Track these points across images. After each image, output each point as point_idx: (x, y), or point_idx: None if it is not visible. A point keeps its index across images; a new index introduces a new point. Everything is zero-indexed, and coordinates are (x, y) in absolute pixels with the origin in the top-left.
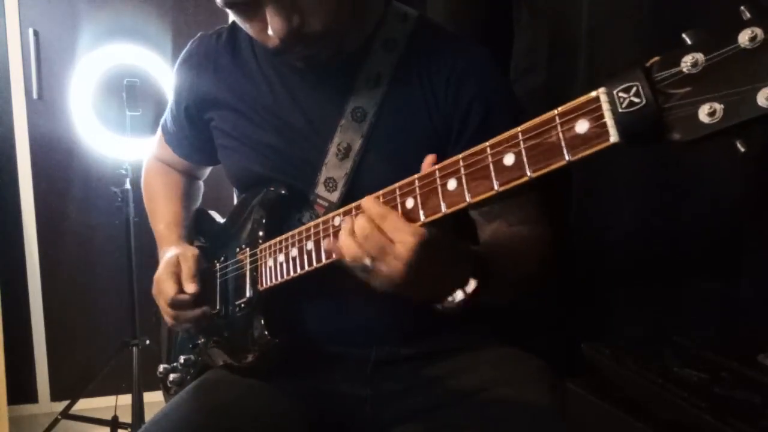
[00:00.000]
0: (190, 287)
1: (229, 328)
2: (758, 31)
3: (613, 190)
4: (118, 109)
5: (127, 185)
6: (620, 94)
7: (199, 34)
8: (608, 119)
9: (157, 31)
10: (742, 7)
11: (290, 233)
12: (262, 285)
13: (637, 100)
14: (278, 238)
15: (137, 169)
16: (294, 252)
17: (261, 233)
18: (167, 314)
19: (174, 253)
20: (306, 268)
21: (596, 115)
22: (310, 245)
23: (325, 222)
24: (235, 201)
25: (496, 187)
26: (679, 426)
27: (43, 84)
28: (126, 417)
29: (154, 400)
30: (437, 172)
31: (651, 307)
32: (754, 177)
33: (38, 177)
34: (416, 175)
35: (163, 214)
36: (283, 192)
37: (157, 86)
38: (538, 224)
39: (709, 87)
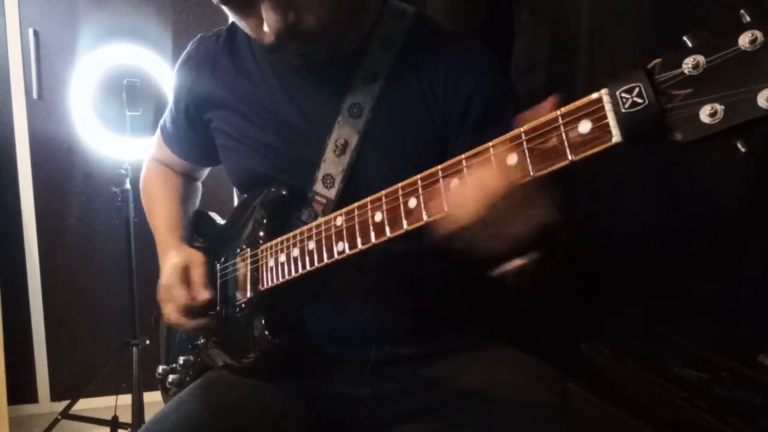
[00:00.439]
0: (204, 294)
1: (230, 328)
2: (758, 34)
3: (614, 190)
4: (118, 109)
5: (127, 185)
6: (623, 95)
7: (198, 36)
8: (611, 119)
9: (157, 31)
10: (742, 11)
11: (291, 233)
12: (262, 285)
13: (639, 100)
14: (279, 238)
15: (137, 169)
16: (295, 252)
17: (262, 233)
18: (175, 320)
19: (181, 259)
20: (308, 267)
21: (599, 116)
22: (312, 245)
23: (327, 222)
24: (236, 201)
25: None
26: (679, 426)
27: (43, 84)
28: (126, 417)
29: (154, 400)
30: (440, 171)
31: (651, 307)
32: (755, 177)
33: (38, 177)
34: (419, 175)
35: (163, 216)
36: (284, 192)
37: (157, 86)
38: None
39: (710, 88)
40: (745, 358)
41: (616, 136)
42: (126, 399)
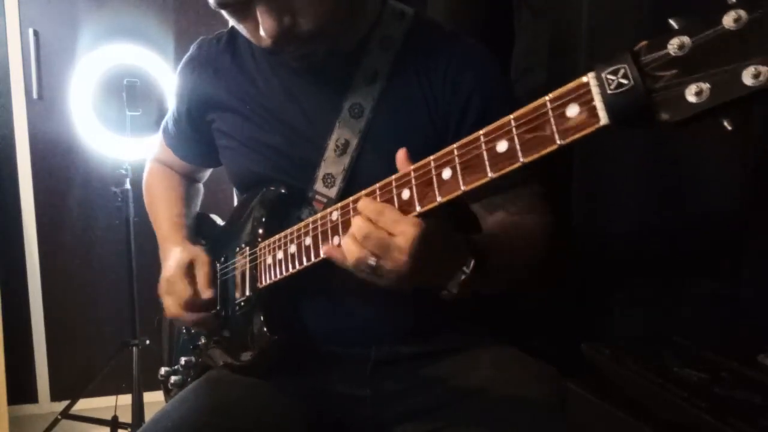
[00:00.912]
0: (207, 293)
1: (230, 327)
2: (742, 13)
3: (614, 190)
4: (118, 109)
5: (127, 185)
6: (608, 77)
7: (199, 39)
8: (597, 102)
9: (157, 31)
10: None
11: (288, 230)
12: (261, 283)
13: (625, 81)
14: (277, 236)
15: (137, 169)
16: (293, 248)
17: (260, 231)
18: (174, 313)
19: (186, 255)
20: (305, 263)
21: (586, 99)
22: (309, 241)
23: (323, 217)
24: (236, 202)
25: (490, 174)
26: (679, 426)
27: (43, 84)
28: (126, 417)
29: (154, 400)
30: (432, 162)
31: (651, 307)
32: (755, 178)
33: (38, 177)
34: (412, 167)
35: (166, 215)
36: (282, 191)
37: (157, 86)
38: (538, 213)
39: (695, 68)
40: (745, 358)
41: (603, 119)
42: (126, 399)
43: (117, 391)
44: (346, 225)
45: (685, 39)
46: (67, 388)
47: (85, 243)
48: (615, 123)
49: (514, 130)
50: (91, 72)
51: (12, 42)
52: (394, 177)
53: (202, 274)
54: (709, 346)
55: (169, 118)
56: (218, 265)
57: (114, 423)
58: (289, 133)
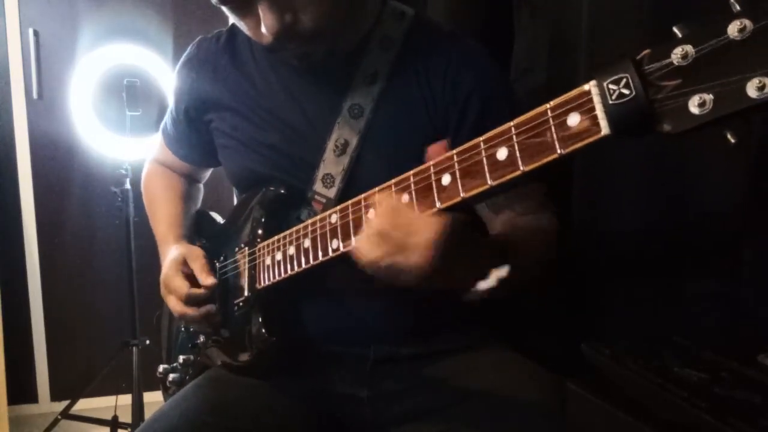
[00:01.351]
0: (209, 280)
1: (228, 327)
2: (747, 23)
3: (614, 190)
4: (118, 109)
5: (127, 185)
6: (610, 86)
7: (198, 38)
8: (599, 111)
9: (157, 31)
10: (732, 0)
11: (288, 231)
12: (260, 283)
13: (626, 91)
14: (276, 237)
15: (137, 169)
16: (291, 250)
17: (260, 232)
18: (180, 312)
19: (178, 252)
20: (303, 265)
21: (587, 108)
22: (308, 243)
23: (321, 219)
24: (236, 202)
25: (489, 182)
26: (679, 426)
27: (43, 84)
28: (126, 417)
29: (154, 400)
30: (432, 167)
31: (651, 307)
32: (754, 178)
33: (38, 177)
34: (411, 171)
35: (163, 216)
36: (281, 191)
37: (157, 86)
38: (544, 213)
39: (699, 78)
40: (745, 358)
41: (604, 129)
42: (126, 399)
43: (117, 391)
44: (345, 228)
45: (689, 48)
46: (67, 388)
47: (85, 243)
48: (616, 133)
49: (514, 137)
50: (91, 72)
51: (12, 42)
52: (393, 181)
53: (197, 265)
54: (709, 346)
55: (168, 118)
56: (217, 264)
57: (114, 423)
58: (288, 132)
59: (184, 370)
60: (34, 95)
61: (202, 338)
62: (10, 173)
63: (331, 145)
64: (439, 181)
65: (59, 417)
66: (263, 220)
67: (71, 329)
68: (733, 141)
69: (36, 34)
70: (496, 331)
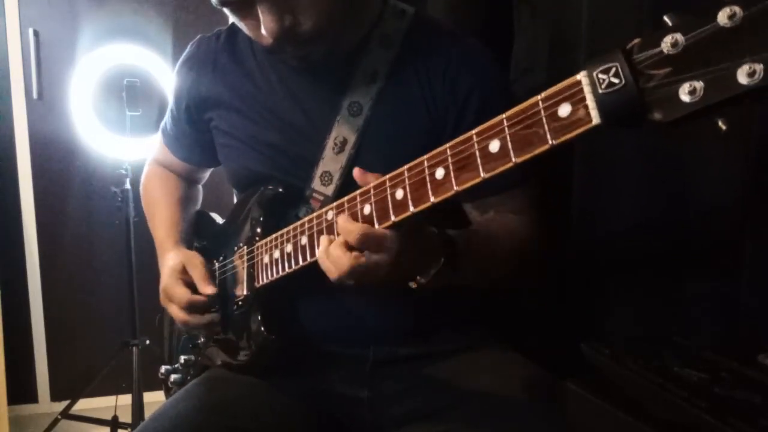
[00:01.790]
0: (209, 289)
1: (228, 326)
2: (737, 9)
3: (613, 190)
4: (118, 109)
5: (127, 185)
6: (600, 76)
7: (198, 37)
8: (589, 101)
9: (157, 31)
10: None
11: (285, 229)
12: (259, 282)
13: (616, 80)
14: (273, 235)
15: (137, 169)
16: (289, 248)
17: (258, 231)
18: (180, 321)
19: (178, 260)
20: (300, 263)
21: (578, 98)
22: (305, 240)
23: (318, 216)
24: (235, 202)
25: (482, 174)
26: (679, 426)
27: (43, 84)
28: (126, 417)
29: (154, 400)
30: (425, 161)
31: (651, 307)
32: (755, 177)
33: (38, 177)
34: (405, 166)
35: (162, 219)
36: (280, 190)
37: (157, 86)
38: (525, 215)
39: (689, 66)
40: (745, 358)
41: (595, 118)
42: (126, 399)
43: (117, 391)
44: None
45: (679, 36)
46: (67, 388)
47: (85, 243)
48: (607, 123)
49: (506, 129)
50: (91, 72)
51: (12, 42)
52: (388, 176)
53: (196, 273)
54: (709, 346)
55: (167, 117)
56: (216, 264)
57: (114, 423)
58: (287, 130)
59: (185, 371)
60: (34, 95)
61: (202, 339)
62: (10, 173)
63: (330, 143)
64: (432, 174)
65: (59, 417)
66: (262, 219)
67: (71, 329)
68: (724, 128)
69: (36, 34)
70: (495, 332)
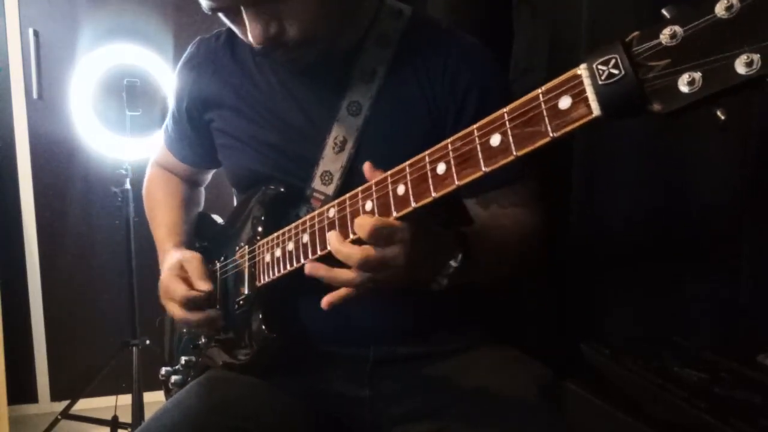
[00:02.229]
0: (204, 285)
1: (229, 326)
2: (734, 1)
3: (613, 190)
4: (118, 109)
5: (127, 185)
6: (599, 67)
7: (198, 38)
8: (589, 93)
9: (157, 31)
10: None
11: (286, 228)
12: (260, 281)
13: (615, 71)
14: (275, 234)
15: (137, 169)
16: (290, 246)
17: (259, 230)
18: (180, 316)
19: (176, 258)
20: (302, 261)
21: (578, 91)
22: (306, 238)
23: (320, 214)
24: (235, 203)
25: (483, 168)
26: (679, 426)
27: (43, 84)
28: (126, 417)
29: (154, 400)
30: (427, 157)
31: (651, 307)
32: (754, 177)
33: (38, 177)
34: (407, 162)
35: (163, 222)
36: (281, 189)
37: (157, 86)
38: (529, 208)
39: (687, 57)
40: (745, 358)
41: (595, 110)
42: (126, 399)
43: (117, 391)
44: (343, 221)
45: (677, 28)
46: (67, 388)
47: (85, 243)
48: (607, 114)
49: (507, 123)
50: (91, 72)
51: (12, 42)
52: (389, 173)
53: (193, 269)
54: (709, 346)
55: (168, 119)
56: (218, 264)
57: (114, 423)
58: (288, 131)
59: (186, 372)
60: (34, 95)
61: (203, 339)
62: (10, 173)
63: (330, 143)
64: (434, 170)
65: (59, 417)
66: (263, 218)
67: (71, 329)
68: (723, 118)
69: (36, 34)
70: (495, 331)
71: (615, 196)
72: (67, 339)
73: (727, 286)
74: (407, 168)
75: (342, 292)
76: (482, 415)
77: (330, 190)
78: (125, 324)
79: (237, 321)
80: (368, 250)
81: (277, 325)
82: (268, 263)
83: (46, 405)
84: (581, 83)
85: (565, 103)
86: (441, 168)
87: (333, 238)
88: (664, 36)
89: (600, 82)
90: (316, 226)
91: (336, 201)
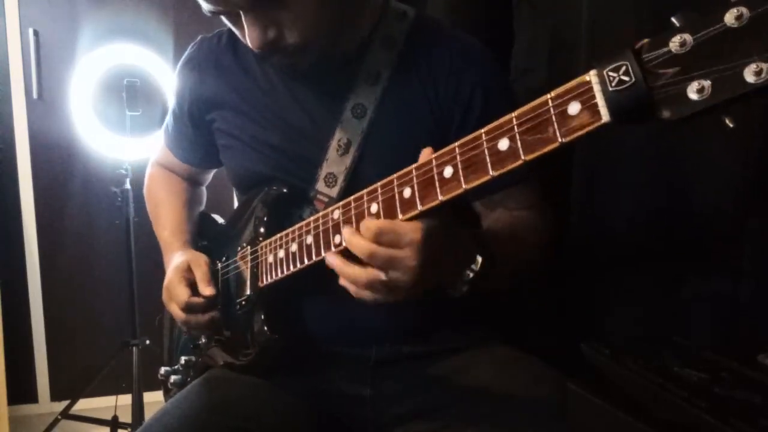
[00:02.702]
0: (208, 290)
1: (230, 326)
2: (744, 10)
3: (613, 190)
4: (118, 109)
5: (127, 185)
6: (610, 74)
7: (199, 38)
8: (599, 99)
9: (157, 31)
10: None
11: (290, 229)
12: (262, 282)
13: (626, 78)
14: (278, 235)
15: (137, 169)
16: (294, 247)
17: (262, 230)
18: (181, 319)
19: (183, 259)
20: (306, 262)
21: (588, 96)
22: (310, 240)
23: (324, 216)
24: (236, 204)
25: (491, 173)
26: (679, 426)
27: (43, 84)
28: (126, 417)
29: (154, 400)
30: (434, 160)
31: (651, 307)
32: (755, 177)
33: (38, 177)
34: (413, 165)
35: (167, 221)
36: (284, 190)
37: (157, 86)
38: (537, 209)
39: (697, 65)
40: (745, 358)
41: (605, 116)
42: (126, 399)
43: (117, 391)
44: (348, 223)
45: (687, 36)
46: (67, 388)
47: (85, 243)
48: (616, 120)
49: (515, 128)
50: (91, 72)
51: (12, 42)
52: (395, 175)
53: (199, 273)
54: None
55: (169, 119)
56: (219, 264)
57: (114, 423)
58: (291, 132)
59: (185, 372)
60: (34, 95)
61: (203, 339)
62: (10, 173)
63: (334, 144)
64: (441, 173)
65: (59, 417)
66: (266, 219)
67: (71, 329)
68: (731, 126)
69: (36, 34)
70: (496, 331)
71: (616, 196)
72: (67, 339)
73: (728, 286)
74: (414, 171)
75: (351, 288)
76: (483, 415)
77: (334, 192)
78: (125, 324)
79: (238, 321)
80: (376, 248)
81: (278, 325)
82: (270, 264)
83: (46, 405)
84: (591, 89)
85: (574, 108)
86: (448, 171)
87: (347, 229)
88: (674, 44)
89: (610, 89)
90: (321, 228)
91: (341, 203)
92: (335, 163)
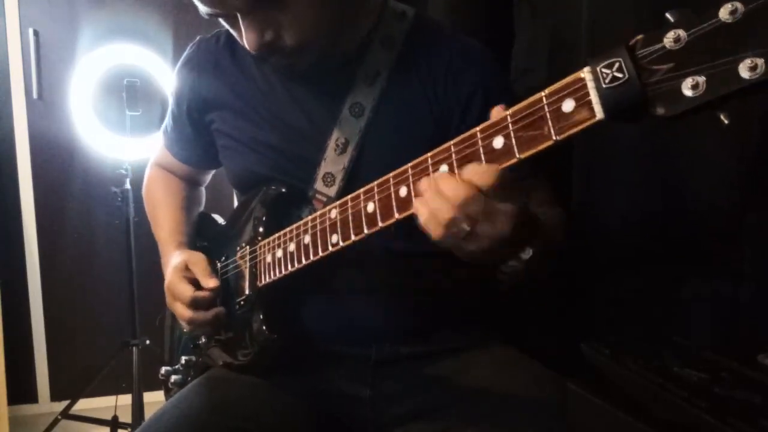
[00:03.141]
0: (211, 282)
1: (230, 326)
2: (738, 5)
3: (613, 190)
4: (118, 109)
5: (127, 185)
6: (603, 71)
7: (197, 38)
8: (593, 96)
9: (157, 31)
10: None
11: (288, 228)
12: (261, 281)
13: (619, 75)
14: (276, 234)
15: (137, 169)
16: (292, 247)
17: (261, 230)
18: (186, 318)
19: (181, 259)
20: (304, 261)
21: (581, 93)
22: (308, 239)
23: (321, 215)
24: (236, 204)
25: None
26: (679, 426)
27: (43, 84)
28: (126, 417)
29: (154, 400)
30: (429, 159)
31: (651, 306)
32: (755, 176)
33: (38, 177)
34: (409, 164)
35: (165, 222)
36: (282, 190)
37: (157, 86)
38: (558, 205)
39: (691, 61)
40: (745, 358)
41: (599, 113)
42: (126, 399)
43: (117, 391)
44: (344, 222)
45: (681, 32)
46: (67, 388)
47: (85, 243)
48: (610, 117)
49: (510, 126)
50: (91, 72)
51: (12, 42)
52: (391, 174)
53: (199, 269)
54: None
55: (168, 120)
56: (218, 264)
57: (114, 423)
58: (289, 132)
59: (186, 372)
60: (34, 95)
61: (203, 339)
62: (10, 173)
63: (332, 144)
64: (437, 171)
65: (59, 417)
66: (264, 218)
67: (71, 329)
68: (726, 122)
69: (36, 34)
70: (496, 331)
71: (615, 195)
72: (67, 339)
73: (728, 286)
74: (410, 170)
75: (423, 215)
76: (483, 415)
77: (332, 191)
78: (125, 324)
79: (238, 321)
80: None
81: (278, 325)
82: (269, 264)
83: (46, 405)
84: (585, 86)
85: (568, 105)
86: (443, 170)
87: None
88: (668, 40)
89: (604, 86)
90: (318, 227)
91: (338, 202)
92: (333, 163)
